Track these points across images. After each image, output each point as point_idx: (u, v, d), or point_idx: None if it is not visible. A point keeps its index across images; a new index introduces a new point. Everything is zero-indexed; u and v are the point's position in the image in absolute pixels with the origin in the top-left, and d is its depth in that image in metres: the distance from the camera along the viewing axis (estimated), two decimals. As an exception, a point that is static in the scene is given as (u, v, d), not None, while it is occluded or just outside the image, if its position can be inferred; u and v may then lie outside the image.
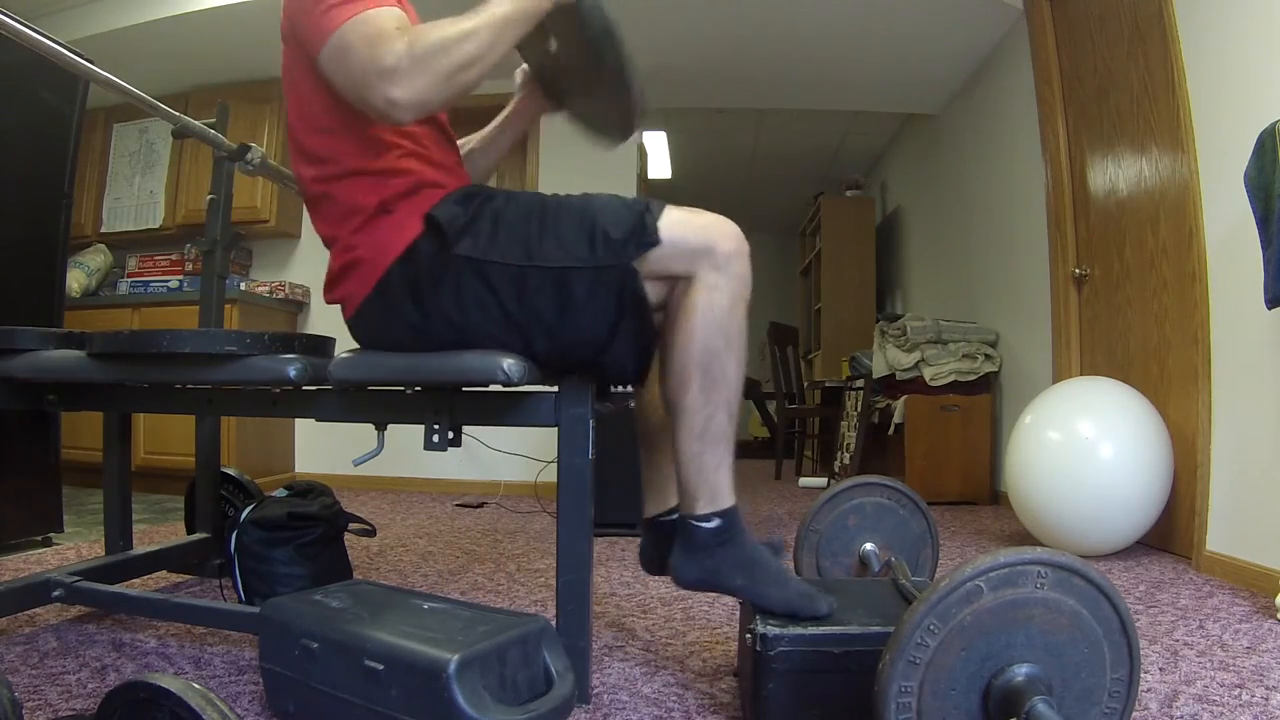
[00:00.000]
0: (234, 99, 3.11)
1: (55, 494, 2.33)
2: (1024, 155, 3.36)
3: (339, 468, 3.47)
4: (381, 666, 0.98)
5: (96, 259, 3.96)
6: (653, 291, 1.14)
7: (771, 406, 5.73)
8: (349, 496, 3.55)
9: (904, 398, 3.68)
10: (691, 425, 1.12)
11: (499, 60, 1.08)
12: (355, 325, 1.24)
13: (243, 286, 3.84)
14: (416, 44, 1.02)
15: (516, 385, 1.14)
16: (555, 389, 1.24)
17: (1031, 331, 3.32)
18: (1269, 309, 1.77)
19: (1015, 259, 3.54)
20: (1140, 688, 1.04)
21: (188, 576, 1.95)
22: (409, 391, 1.32)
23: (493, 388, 1.28)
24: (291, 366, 1.23)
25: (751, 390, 6.27)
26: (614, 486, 1.86)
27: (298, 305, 4.03)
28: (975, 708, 0.86)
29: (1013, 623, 0.84)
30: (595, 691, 1.25)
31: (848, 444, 4.25)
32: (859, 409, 4.09)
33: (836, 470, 4.43)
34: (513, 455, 3.57)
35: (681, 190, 6.76)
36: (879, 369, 3.85)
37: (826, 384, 5.12)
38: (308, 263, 4.09)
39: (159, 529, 2.67)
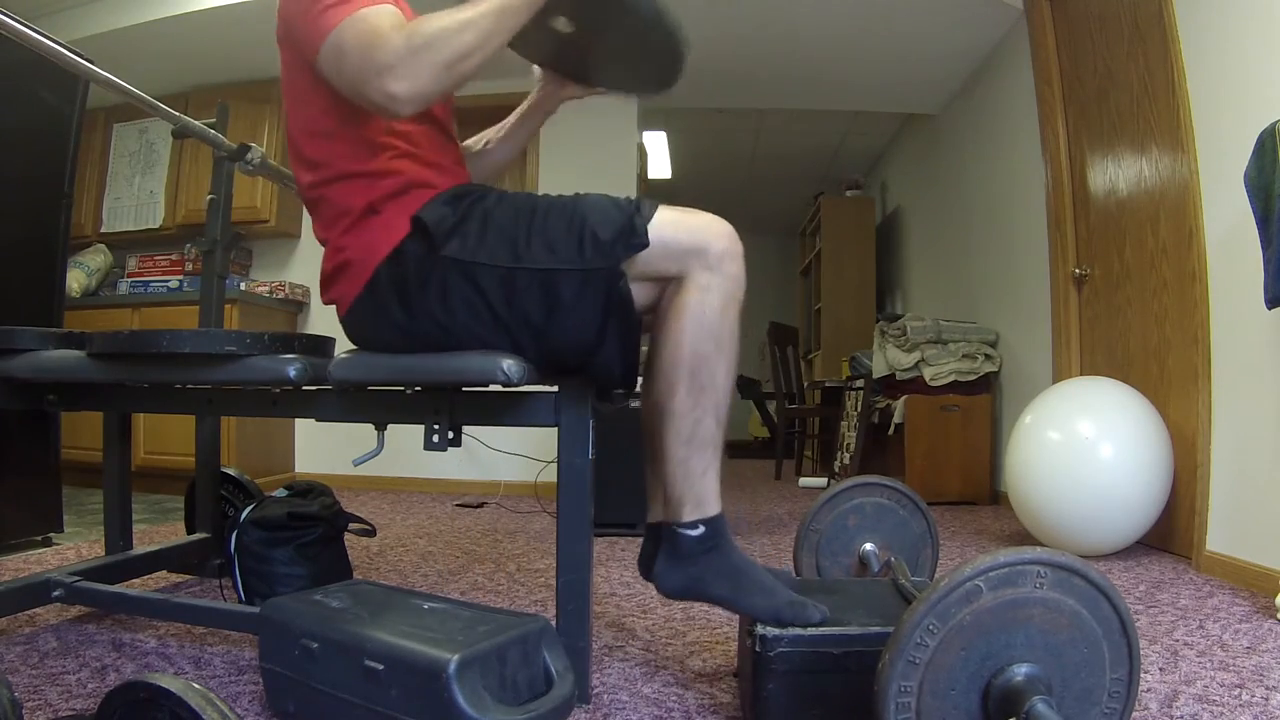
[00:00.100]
0: (234, 99, 3.11)
1: (55, 494, 2.33)
2: (1024, 155, 3.36)
3: (339, 468, 3.46)
4: (381, 666, 0.98)
5: (96, 259, 3.96)
6: (646, 292, 1.13)
7: (771, 406, 5.73)
8: (349, 496, 3.55)
9: (904, 398, 3.68)
10: (678, 429, 1.11)
11: (499, 49, 1.07)
12: (347, 325, 1.25)
13: (243, 286, 3.84)
14: (414, 37, 1.02)
15: (516, 385, 1.14)
16: (555, 389, 1.24)
17: (1031, 331, 3.32)
18: (1269, 309, 1.77)
19: (1015, 259, 3.54)
20: (1140, 688, 1.04)
21: (188, 576, 1.95)
22: (409, 391, 1.33)
23: (492, 388, 1.28)
24: (291, 366, 1.23)
25: (751, 390, 6.28)
26: (614, 486, 1.86)
27: (298, 305, 4.03)
28: (975, 708, 0.86)
29: (1012, 623, 0.84)
30: (595, 691, 1.25)
31: (848, 444, 4.25)
32: (859, 409, 4.09)
33: (836, 470, 4.43)
34: (513, 455, 3.57)
35: (681, 190, 6.76)
36: (879, 369, 3.85)
37: (826, 384, 5.12)
38: (308, 263, 4.09)
39: (159, 529, 2.67)
